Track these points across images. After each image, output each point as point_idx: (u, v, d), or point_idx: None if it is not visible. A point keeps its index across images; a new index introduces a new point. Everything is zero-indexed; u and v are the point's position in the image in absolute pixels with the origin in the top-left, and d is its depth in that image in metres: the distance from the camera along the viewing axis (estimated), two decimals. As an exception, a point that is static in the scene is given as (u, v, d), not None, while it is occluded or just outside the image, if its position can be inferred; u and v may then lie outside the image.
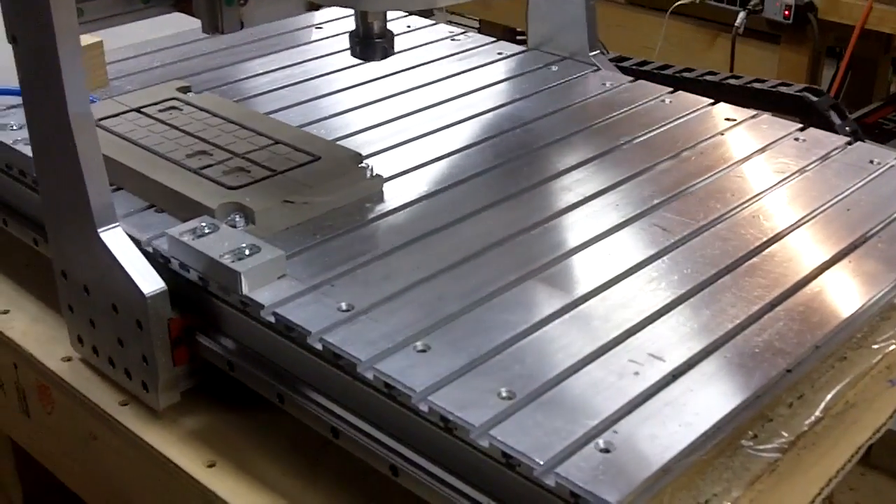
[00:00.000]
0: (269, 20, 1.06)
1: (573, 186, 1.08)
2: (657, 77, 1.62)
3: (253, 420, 0.95)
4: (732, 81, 1.70)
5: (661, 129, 1.23)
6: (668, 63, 1.78)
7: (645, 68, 1.72)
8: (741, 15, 2.46)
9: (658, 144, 1.19)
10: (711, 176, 1.11)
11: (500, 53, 1.47)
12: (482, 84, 1.37)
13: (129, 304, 0.92)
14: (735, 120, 1.25)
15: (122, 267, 0.91)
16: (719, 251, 0.96)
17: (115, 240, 0.93)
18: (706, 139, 1.21)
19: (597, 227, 1.00)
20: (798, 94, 1.61)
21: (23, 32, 0.90)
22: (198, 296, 0.94)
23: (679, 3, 2.55)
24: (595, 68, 1.42)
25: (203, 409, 0.97)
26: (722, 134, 1.22)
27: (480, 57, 1.47)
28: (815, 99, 1.59)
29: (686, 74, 1.72)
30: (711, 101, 1.31)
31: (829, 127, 1.50)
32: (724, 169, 1.13)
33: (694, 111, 1.28)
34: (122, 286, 0.92)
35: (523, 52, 1.47)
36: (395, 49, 1.48)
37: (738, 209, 1.04)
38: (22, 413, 1.11)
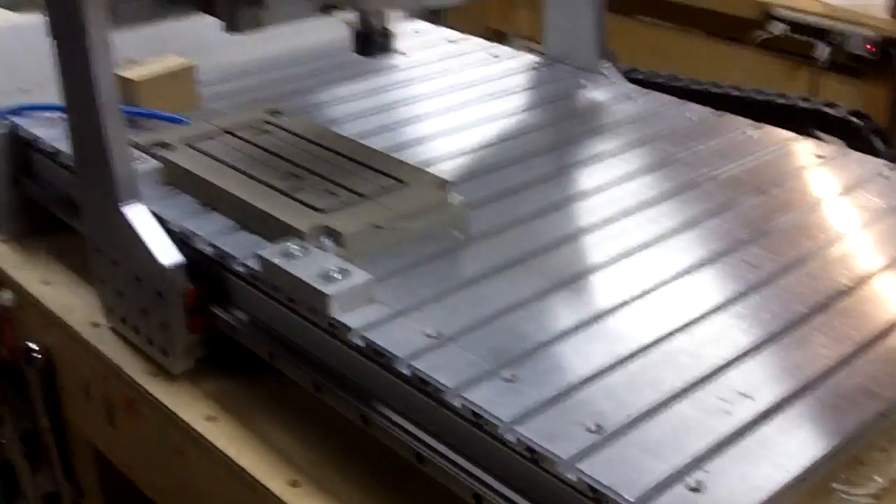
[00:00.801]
0: (286, 21, 1.11)
1: (659, 219, 1.08)
2: (667, 89, 1.58)
3: (337, 437, 0.96)
4: (734, 93, 1.65)
5: (747, 164, 1.22)
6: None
7: (656, 80, 1.68)
8: (824, 48, 2.43)
9: (744, 179, 1.18)
10: (799, 213, 1.10)
11: (581, 83, 1.47)
12: (567, 115, 1.38)
13: (150, 275, 1.02)
14: (823, 156, 1.24)
15: (142, 241, 1.01)
16: (809, 290, 0.95)
17: (137, 214, 1.03)
18: (793, 175, 1.19)
19: (684, 262, 0.99)
20: (843, 117, 1.57)
21: (61, 32, 1.02)
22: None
23: (764, 37, 2.53)
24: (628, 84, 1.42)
25: (289, 428, 0.98)
26: (809, 170, 1.21)
27: (564, 87, 1.47)
28: (860, 123, 1.56)
29: (695, 87, 1.67)
30: (797, 135, 1.30)
31: (871, 152, 1.48)
32: (812, 206, 1.12)
33: (780, 146, 1.27)
34: (144, 259, 1.01)
35: (608, 84, 1.47)
36: (480, 77, 1.50)
37: (827, 247, 1.03)
38: (108, 424, 1.14)
